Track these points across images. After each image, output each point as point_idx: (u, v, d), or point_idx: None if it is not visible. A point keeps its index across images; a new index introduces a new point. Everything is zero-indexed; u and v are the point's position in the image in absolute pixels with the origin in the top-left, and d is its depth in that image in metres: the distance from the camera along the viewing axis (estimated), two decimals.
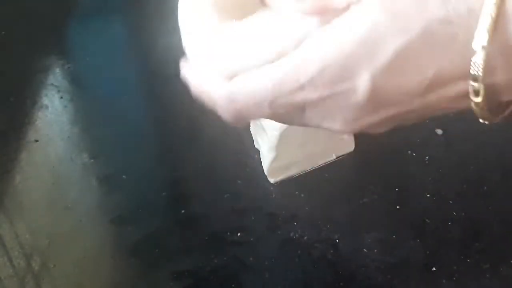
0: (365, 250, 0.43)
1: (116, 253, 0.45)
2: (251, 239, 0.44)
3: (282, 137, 0.44)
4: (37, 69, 0.60)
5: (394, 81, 0.24)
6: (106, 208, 0.47)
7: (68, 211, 0.47)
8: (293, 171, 0.48)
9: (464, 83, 0.23)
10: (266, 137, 0.45)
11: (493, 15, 0.21)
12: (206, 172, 0.49)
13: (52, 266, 0.43)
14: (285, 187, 0.47)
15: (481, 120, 0.25)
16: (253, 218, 0.45)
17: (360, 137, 0.48)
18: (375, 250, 0.42)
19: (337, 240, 0.43)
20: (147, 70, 0.61)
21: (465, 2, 0.22)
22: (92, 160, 0.51)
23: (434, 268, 0.41)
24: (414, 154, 0.49)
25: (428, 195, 0.46)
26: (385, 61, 0.23)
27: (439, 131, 0.50)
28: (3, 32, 0.65)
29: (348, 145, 0.49)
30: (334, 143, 0.48)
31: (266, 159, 0.46)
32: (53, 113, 0.56)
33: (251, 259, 0.43)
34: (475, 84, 0.23)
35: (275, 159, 0.46)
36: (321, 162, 0.48)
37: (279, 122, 0.29)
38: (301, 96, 0.25)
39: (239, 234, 0.44)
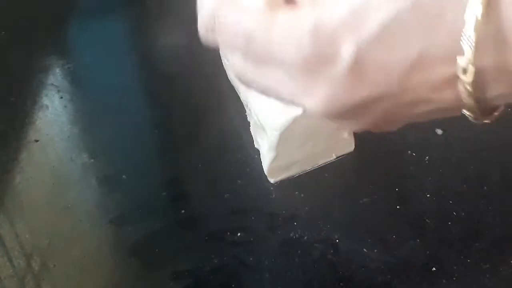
0: (365, 250, 0.43)
1: (116, 253, 0.45)
2: (251, 239, 0.44)
3: (282, 137, 0.44)
4: (37, 69, 0.60)
5: (379, 55, 0.23)
6: (106, 208, 0.47)
7: (68, 211, 0.47)
8: (293, 171, 0.48)
9: (449, 67, 0.22)
10: (266, 137, 0.45)
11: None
12: (206, 172, 0.49)
13: (52, 266, 0.43)
14: (285, 187, 0.47)
15: (467, 114, 0.24)
16: (253, 218, 0.45)
17: (360, 137, 0.48)
18: (375, 250, 0.43)
19: (337, 240, 0.43)
20: (147, 70, 0.61)
21: None
22: (92, 160, 0.51)
23: (434, 268, 0.41)
24: (414, 154, 0.49)
25: (428, 195, 0.46)
26: (372, 32, 0.23)
27: (439, 131, 0.50)
28: (3, 32, 0.65)
29: (348, 145, 0.49)
30: (334, 143, 0.48)
31: (266, 159, 0.46)
32: (53, 113, 0.56)
33: (251, 259, 0.43)
34: (465, 60, 0.22)
35: (275, 159, 0.46)
36: (321, 162, 0.48)
37: (255, 79, 0.27)
38: (282, 50, 0.24)
39: (239, 234, 0.45)
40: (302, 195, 0.47)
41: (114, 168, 0.50)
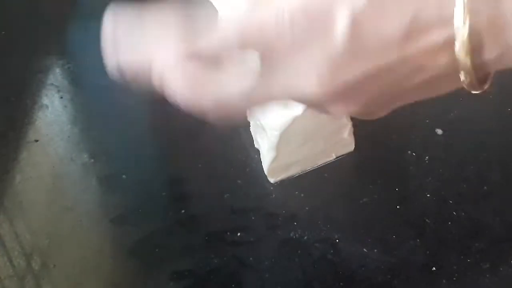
0: (365, 250, 0.43)
1: (116, 253, 0.45)
2: (251, 239, 0.44)
3: (282, 137, 0.44)
4: (37, 69, 0.60)
5: (374, 24, 0.23)
6: (106, 208, 0.47)
7: (68, 211, 0.47)
8: (293, 171, 0.48)
9: (443, 31, 0.22)
10: (266, 137, 0.45)
11: None
12: (206, 172, 0.49)
13: (52, 266, 0.43)
14: (285, 187, 0.47)
15: (463, 79, 0.24)
16: (253, 218, 0.45)
17: (360, 137, 0.48)
18: (375, 250, 0.43)
19: (337, 240, 0.43)
20: None
21: None
22: (92, 160, 0.51)
23: (434, 268, 0.41)
24: (414, 154, 0.49)
25: (428, 195, 0.46)
26: (365, 0, 0.22)
27: (439, 131, 0.50)
28: (3, 32, 0.65)
29: (348, 145, 0.49)
30: (334, 143, 0.48)
31: (266, 159, 0.46)
32: (53, 113, 0.56)
33: (251, 259, 0.43)
34: (460, 19, 0.22)
35: (275, 159, 0.46)
36: (321, 162, 0.48)
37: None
38: (274, 33, 0.24)
39: (239, 234, 0.45)
40: (302, 195, 0.47)
41: (114, 168, 0.50)
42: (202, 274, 0.42)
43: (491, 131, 0.50)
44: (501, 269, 0.41)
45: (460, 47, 0.22)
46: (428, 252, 0.42)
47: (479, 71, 0.23)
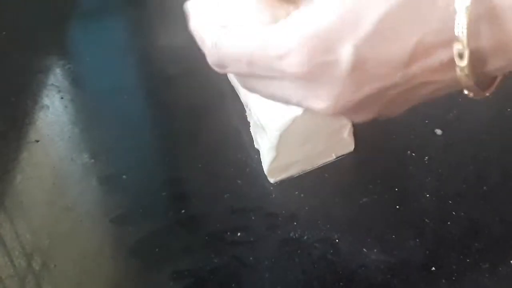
0: (365, 250, 0.43)
1: (116, 253, 0.45)
2: (251, 239, 0.44)
3: (282, 137, 0.44)
4: (38, 69, 0.60)
5: (378, 51, 0.23)
6: (106, 208, 0.47)
7: (68, 211, 0.47)
8: (293, 171, 0.48)
9: (447, 50, 0.23)
10: (266, 137, 0.45)
11: None
12: (206, 172, 0.49)
13: (52, 266, 0.43)
14: (285, 187, 0.47)
15: (467, 93, 0.24)
16: (253, 218, 0.46)
17: (360, 137, 0.48)
18: (375, 250, 0.43)
19: (337, 240, 0.44)
20: (147, 70, 0.61)
21: None
22: (93, 160, 0.51)
23: (434, 268, 0.41)
24: (414, 154, 0.49)
25: (428, 195, 0.46)
26: (369, 31, 0.23)
27: (439, 131, 0.50)
28: (3, 32, 0.65)
29: (348, 145, 0.49)
30: (334, 143, 0.48)
31: (266, 159, 0.46)
32: (54, 113, 0.56)
33: (251, 259, 0.43)
34: (460, 46, 0.22)
35: (275, 159, 0.46)
36: (321, 162, 0.48)
37: (261, 90, 0.28)
38: (282, 65, 0.25)
39: (239, 234, 0.45)
40: (302, 195, 0.47)
41: (114, 168, 0.50)
42: (202, 274, 0.42)
43: (491, 131, 0.50)
44: (500, 269, 0.41)
45: (461, 71, 0.23)
46: (427, 252, 0.42)
47: (482, 84, 0.24)
